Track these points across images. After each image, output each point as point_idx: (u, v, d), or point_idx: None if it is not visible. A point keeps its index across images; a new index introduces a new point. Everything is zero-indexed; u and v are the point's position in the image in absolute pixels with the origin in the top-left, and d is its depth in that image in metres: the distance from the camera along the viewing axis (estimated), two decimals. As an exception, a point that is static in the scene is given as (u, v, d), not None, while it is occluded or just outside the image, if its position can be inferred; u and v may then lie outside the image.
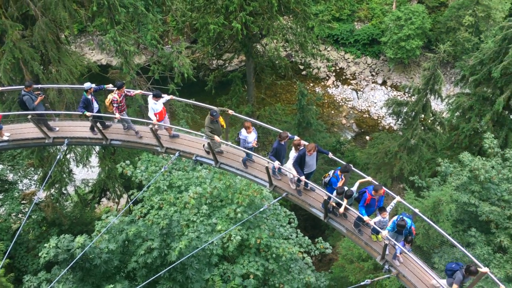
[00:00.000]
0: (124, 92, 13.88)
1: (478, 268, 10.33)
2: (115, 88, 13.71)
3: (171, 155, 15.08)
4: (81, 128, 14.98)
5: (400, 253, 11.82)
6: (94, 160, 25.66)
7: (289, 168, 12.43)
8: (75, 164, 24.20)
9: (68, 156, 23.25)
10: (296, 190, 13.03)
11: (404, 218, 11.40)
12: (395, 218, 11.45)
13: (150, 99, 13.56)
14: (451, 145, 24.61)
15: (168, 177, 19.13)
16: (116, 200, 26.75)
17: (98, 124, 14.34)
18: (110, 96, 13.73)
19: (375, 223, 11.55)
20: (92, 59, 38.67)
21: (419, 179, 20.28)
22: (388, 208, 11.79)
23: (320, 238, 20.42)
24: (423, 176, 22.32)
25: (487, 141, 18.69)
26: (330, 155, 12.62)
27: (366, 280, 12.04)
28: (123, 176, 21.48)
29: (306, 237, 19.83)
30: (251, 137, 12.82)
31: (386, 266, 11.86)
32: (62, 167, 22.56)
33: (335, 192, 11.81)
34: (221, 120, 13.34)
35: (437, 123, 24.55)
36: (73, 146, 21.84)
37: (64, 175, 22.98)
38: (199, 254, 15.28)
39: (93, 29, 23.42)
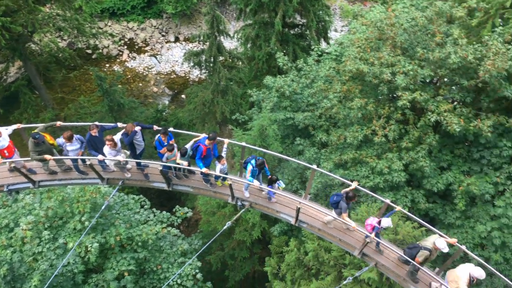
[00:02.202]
0: None
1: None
2: None
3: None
4: None
5: (273, 195, 12.53)
6: None
7: (113, 156, 11.95)
8: None
9: None
10: (143, 175, 12.78)
11: (258, 158, 11.98)
12: (250, 167, 11.82)
13: None
14: (255, 75, 26.42)
15: (-12, 221, 16.58)
16: None
17: None
18: None
19: (219, 171, 12.00)
20: None
21: (240, 115, 21.51)
22: (223, 153, 12.29)
23: (177, 206, 20.53)
24: (244, 111, 23.69)
25: (280, 60, 20.55)
26: (155, 127, 12.66)
27: (228, 223, 12.61)
28: None
29: (164, 212, 19.75)
30: (71, 147, 12.04)
31: (239, 203, 12.58)
32: None
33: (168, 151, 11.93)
34: (48, 137, 12.14)
35: (236, 59, 25.95)
36: None
37: None
38: (59, 281, 14.04)
39: None
